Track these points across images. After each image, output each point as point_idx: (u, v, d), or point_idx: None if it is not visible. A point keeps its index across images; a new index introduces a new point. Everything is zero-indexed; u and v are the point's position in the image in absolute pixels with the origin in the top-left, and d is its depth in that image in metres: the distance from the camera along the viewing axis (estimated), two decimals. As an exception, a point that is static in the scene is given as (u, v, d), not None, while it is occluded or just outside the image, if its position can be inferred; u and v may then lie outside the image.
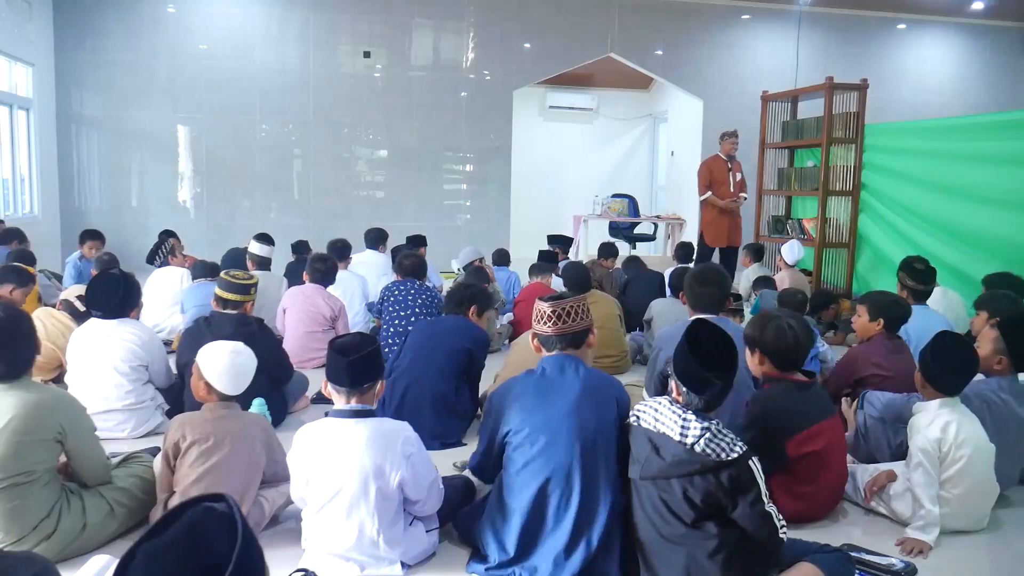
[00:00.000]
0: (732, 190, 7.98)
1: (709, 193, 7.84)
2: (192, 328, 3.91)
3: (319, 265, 5.12)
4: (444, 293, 5.81)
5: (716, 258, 8.30)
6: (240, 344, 2.76)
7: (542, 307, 2.57)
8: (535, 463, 2.42)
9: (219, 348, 2.70)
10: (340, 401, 2.48)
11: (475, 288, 4.08)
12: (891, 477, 2.98)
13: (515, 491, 2.45)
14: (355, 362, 2.42)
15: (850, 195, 6.81)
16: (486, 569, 2.48)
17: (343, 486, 2.40)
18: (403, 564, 2.49)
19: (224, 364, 2.65)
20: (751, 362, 2.97)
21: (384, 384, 2.59)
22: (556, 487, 2.39)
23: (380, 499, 2.40)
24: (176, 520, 0.99)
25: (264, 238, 6.39)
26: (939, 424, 2.81)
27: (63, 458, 2.59)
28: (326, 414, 2.55)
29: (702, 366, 2.21)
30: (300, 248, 6.85)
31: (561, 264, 6.76)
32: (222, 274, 3.98)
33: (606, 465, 2.42)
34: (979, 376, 3.09)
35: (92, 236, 6.60)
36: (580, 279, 5.02)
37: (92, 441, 2.66)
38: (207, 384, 2.66)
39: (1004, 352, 3.09)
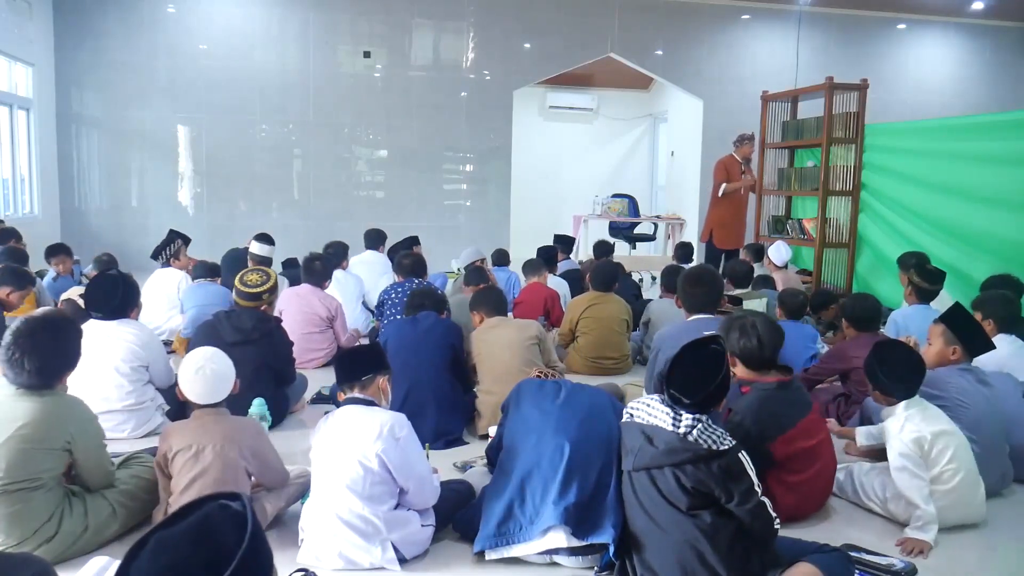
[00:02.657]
0: (743, 192, 8.04)
1: (725, 185, 7.88)
2: (211, 321, 3.93)
3: (312, 265, 5.14)
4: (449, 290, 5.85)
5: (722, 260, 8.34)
6: (213, 352, 2.69)
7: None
8: (532, 429, 2.67)
9: (191, 359, 2.64)
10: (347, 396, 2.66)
11: (430, 294, 4.19)
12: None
13: (514, 450, 2.67)
14: (350, 355, 2.69)
15: (850, 195, 6.81)
16: (488, 535, 2.54)
17: (334, 461, 2.51)
18: (397, 552, 2.52)
19: (190, 375, 2.61)
20: (735, 371, 3.00)
21: (387, 380, 2.71)
22: (550, 444, 2.58)
23: (368, 475, 2.48)
24: (192, 513, 1.03)
25: (264, 238, 6.40)
26: (911, 425, 2.82)
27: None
28: (325, 414, 2.62)
29: (672, 387, 2.32)
30: (289, 264, 6.77)
31: (561, 263, 6.79)
32: (236, 280, 3.99)
33: (598, 434, 2.61)
34: (942, 372, 3.20)
35: (56, 252, 6.06)
36: (607, 279, 5.12)
37: (100, 449, 2.65)
38: (183, 395, 2.65)
39: (955, 342, 3.24)
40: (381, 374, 2.69)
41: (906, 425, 2.83)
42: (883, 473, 3.01)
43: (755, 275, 6.22)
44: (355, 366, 2.66)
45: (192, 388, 2.62)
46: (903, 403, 2.88)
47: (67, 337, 2.61)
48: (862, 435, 3.43)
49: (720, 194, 8.00)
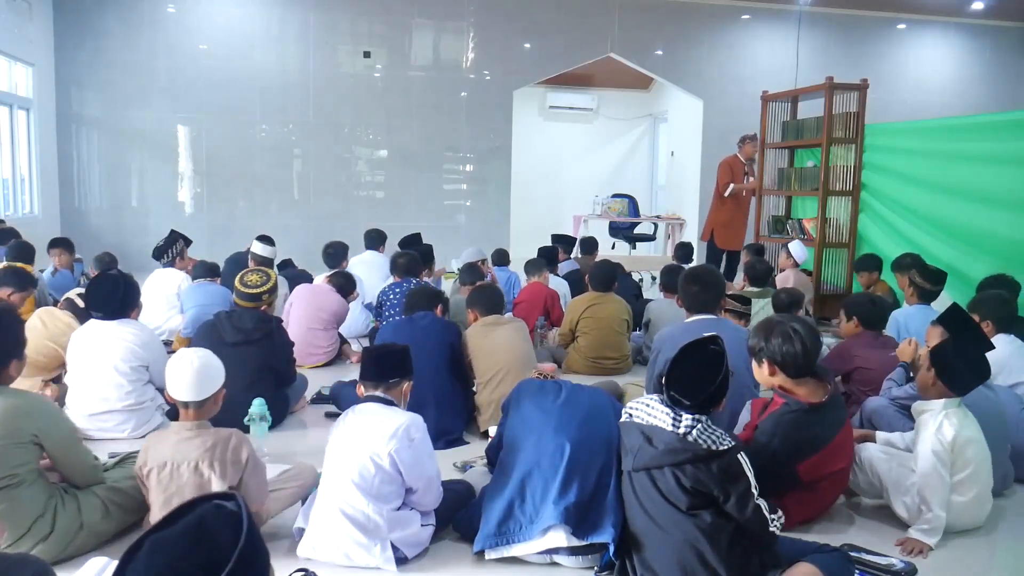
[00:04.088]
0: (744, 195, 8.10)
1: (732, 186, 7.95)
2: (212, 321, 3.94)
3: (340, 280, 5.31)
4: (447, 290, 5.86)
5: (723, 259, 8.36)
6: (203, 350, 2.63)
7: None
8: (533, 429, 2.67)
9: (178, 356, 2.58)
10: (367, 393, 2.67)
11: (425, 292, 4.24)
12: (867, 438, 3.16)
13: (515, 450, 2.66)
14: (382, 356, 2.67)
15: (850, 195, 6.81)
16: (488, 535, 2.54)
17: (346, 456, 2.53)
18: (398, 551, 2.52)
19: (178, 368, 2.53)
20: (759, 374, 2.88)
21: (409, 386, 2.73)
22: (550, 443, 2.58)
23: (378, 474, 2.49)
24: (186, 514, 1.03)
25: (266, 239, 6.42)
26: (949, 425, 2.78)
27: (46, 460, 2.57)
28: (326, 415, 2.61)
29: (672, 388, 2.31)
30: (285, 265, 6.82)
31: (562, 264, 6.79)
32: (236, 281, 3.99)
33: (598, 435, 2.61)
34: None
35: (56, 244, 6.14)
36: (606, 279, 5.13)
37: (73, 445, 2.63)
38: (170, 397, 2.58)
39: None
40: (407, 380, 2.72)
41: (944, 423, 2.78)
42: (900, 467, 2.93)
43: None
44: (386, 368, 2.67)
45: (179, 381, 2.52)
46: (944, 401, 2.82)
47: (4, 325, 2.58)
48: (881, 442, 3.28)
49: (727, 194, 8.05)
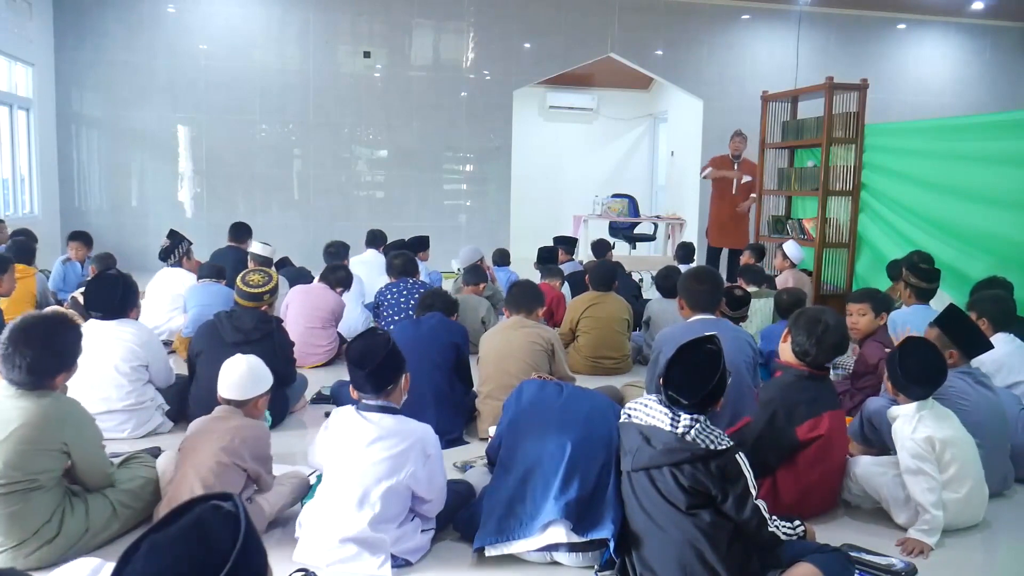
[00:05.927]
0: (735, 192, 8.10)
1: (710, 170, 8.10)
2: (212, 321, 3.94)
3: (333, 275, 5.26)
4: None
5: (723, 259, 8.36)
6: (253, 359, 2.86)
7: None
8: (534, 428, 2.68)
9: (235, 358, 2.84)
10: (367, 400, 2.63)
11: (441, 295, 4.23)
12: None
13: (515, 449, 2.67)
14: (374, 371, 2.54)
15: (850, 195, 6.81)
16: (488, 532, 2.53)
17: (355, 474, 2.48)
18: (397, 559, 2.51)
19: (229, 366, 2.79)
20: (783, 349, 3.02)
21: (408, 376, 2.70)
22: (552, 442, 2.59)
23: (389, 491, 2.47)
24: (184, 515, 1.02)
25: (265, 242, 6.44)
26: (924, 427, 2.80)
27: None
28: (326, 414, 2.61)
29: (670, 388, 2.33)
30: (282, 264, 6.84)
31: (565, 265, 6.79)
32: (238, 280, 3.99)
33: (599, 435, 2.61)
34: None
35: (76, 237, 6.59)
36: (605, 279, 5.16)
37: (98, 451, 2.65)
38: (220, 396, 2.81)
39: (951, 346, 3.18)
40: (402, 375, 2.65)
41: (918, 427, 2.80)
42: (896, 478, 2.92)
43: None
44: (381, 379, 2.55)
45: (226, 379, 2.76)
46: (915, 404, 2.84)
47: (62, 337, 2.58)
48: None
49: (703, 176, 8.20)
